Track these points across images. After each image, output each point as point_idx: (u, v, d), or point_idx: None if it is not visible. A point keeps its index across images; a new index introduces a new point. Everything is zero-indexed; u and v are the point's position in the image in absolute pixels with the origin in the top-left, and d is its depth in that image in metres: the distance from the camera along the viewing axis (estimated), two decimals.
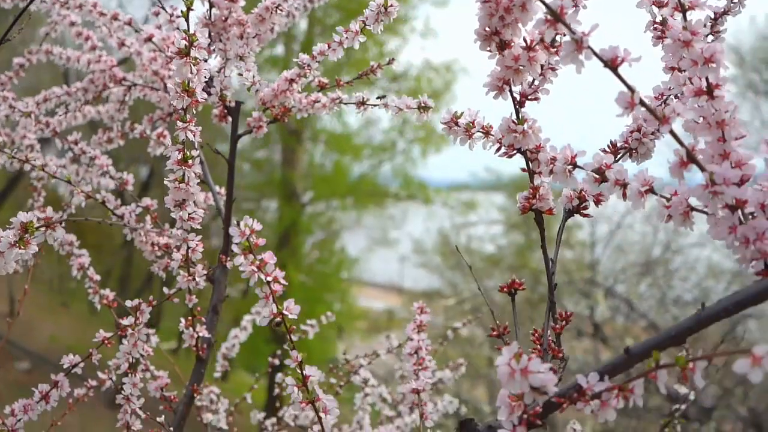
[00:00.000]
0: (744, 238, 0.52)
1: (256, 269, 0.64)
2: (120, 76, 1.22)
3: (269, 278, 0.64)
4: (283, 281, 0.65)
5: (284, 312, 0.65)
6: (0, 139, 1.27)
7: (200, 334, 1.00)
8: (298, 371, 0.67)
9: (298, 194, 11.31)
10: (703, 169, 0.53)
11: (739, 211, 0.54)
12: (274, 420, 1.43)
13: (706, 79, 0.55)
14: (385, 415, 1.46)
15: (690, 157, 0.53)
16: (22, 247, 0.69)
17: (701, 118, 0.56)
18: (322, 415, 0.67)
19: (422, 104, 0.88)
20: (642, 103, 0.52)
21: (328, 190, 11.25)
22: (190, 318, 0.99)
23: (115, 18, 1.12)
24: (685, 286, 7.11)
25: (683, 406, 1.14)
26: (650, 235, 7.96)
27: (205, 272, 0.93)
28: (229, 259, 0.98)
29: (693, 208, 0.56)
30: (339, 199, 11.52)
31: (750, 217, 0.54)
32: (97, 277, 1.12)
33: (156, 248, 1.05)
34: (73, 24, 1.21)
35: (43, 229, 0.68)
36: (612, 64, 0.52)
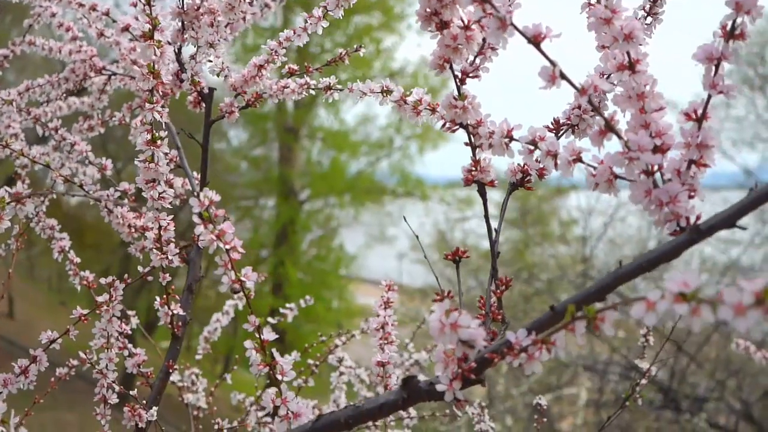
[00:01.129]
0: (658, 201, 0.56)
1: (215, 238, 0.68)
2: (100, 66, 1.25)
3: (228, 246, 0.68)
4: (241, 250, 0.69)
5: (242, 279, 0.69)
6: None
7: (175, 312, 1.03)
8: (257, 335, 0.71)
9: (295, 192, 11.35)
10: (620, 137, 0.57)
11: (659, 176, 0.58)
12: (252, 399, 1.47)
13: (627, 54, 0.59)
14: (363, 396, 1.50)
15: (608, 127, 0.57)
16: None
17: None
18: (279, 377, 0.71)
19: (385, 88, 0.92)
20: (562, 76, 0.56)
21: (326, 188, 11.29)
22: (164, 296, 1.03)
23: (93, 9, 1.16)
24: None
25: (643, 381, 1.18)
26: (645, 229, 8.01)
27: (177, 250, 0.97)
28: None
29: (617, 176, 0.60)
30: (336, 197, 11.55)
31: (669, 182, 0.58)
32: (78, 260, 1.15)
33: (133, 230, 1.09)
34: (54, 15, 1.25)
35: (13, 204, 0.72)
36: (535, 40, 0.56)
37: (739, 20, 0.57)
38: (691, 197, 0.57)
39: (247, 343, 0.71)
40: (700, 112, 0.58)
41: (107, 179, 1.16)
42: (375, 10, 11.06)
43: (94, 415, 1.01)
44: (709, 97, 0.57)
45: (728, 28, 0.57)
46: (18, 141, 1.29)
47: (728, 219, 0.52)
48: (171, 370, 1.06)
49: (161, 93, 0.82)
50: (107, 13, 1.17)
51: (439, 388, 0.60)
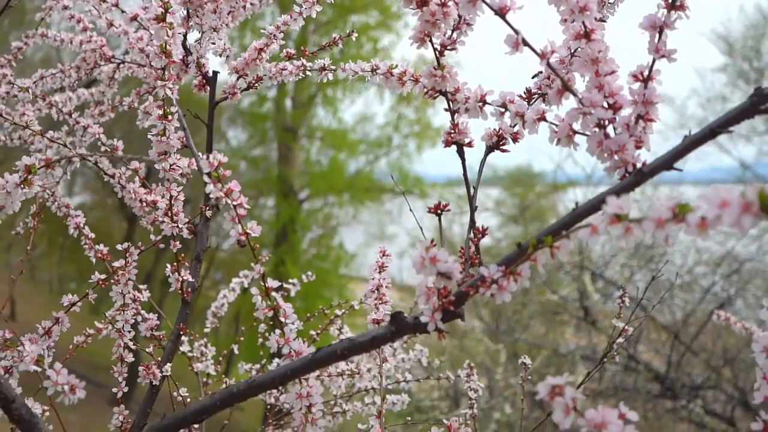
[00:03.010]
0: (609, 150, 0.65)
1: (224, 195, 0.76)
2: (109, 54, 1.34)
3: (235, 203, 0.76)
4: (246, 206, 0.77)
5: (248, 231, 0.77)
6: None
7: (185, 279, 1.12)
8: (261, 283, 0.79)
9: (295, 191, 11.44)
10: (575, 95, 0.65)
11: (611, 130, 0.67)
12: (258, 366, 1.55)
13: (583, 24, 0.67)
14: (364, 366, 1.58)
15: (565, 86, 0.66)
16: (26, 186, 0.81)
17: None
18: (282, 319, 0.79)
19: (374, 67, 1.00)
20: (525, 43, 0.64)
21: (325, 187, 11.37)
22: (175, 264, 1.11)
23: (103, 0, 1.25)
24: (672, 269, 7.25)
25: (621, 340, 1.26)
26: None
27: (186, 220, 1.05)
28: (209, 209, 1.11)
29: (575, 131, 0.69)
30: (336, 195, 11.64)
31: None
32: (92, 235, 1.23)
33: (144, 204, 1.17)
34: (66, 8, 1.34)
35: (44, 169, 0.81)
36: (501, 11, 0.65)
37: None
38: (638, 147, 0.65)
39: (254, 290, 0.79)
40: (646, 74, 0.66)
41: (120, 158, 1.25)
42: (372, 9, 11.16)
43: (111, 373, 1.10)
44: (654, 60, 0.66)
45: (670, 0, 0.66)
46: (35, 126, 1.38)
47: (666, 162, 0.61)
48: (182, 333, 1.14)
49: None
50: (116, 4, 1.26)
51: (423, 319, 0.68)
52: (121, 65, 1.37)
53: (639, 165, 0.64)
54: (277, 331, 0.79)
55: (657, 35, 0.66)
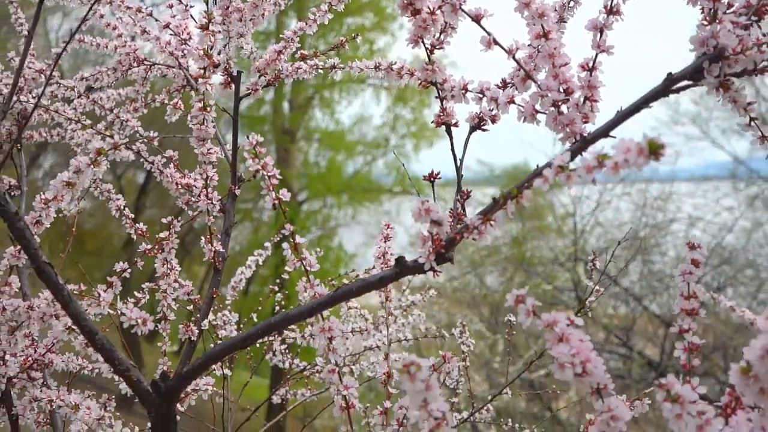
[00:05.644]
0: (562, 124, 0.84)
1: (261, 168, 0.95)
2: (142, 57, 1.52)
3: (269, 174, 0.95)
4: (278, 176, 0.96)
5: (280, 197, 0.96)
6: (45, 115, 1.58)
7: (217, 249, 1.30)
8: (292, 240, 0.98)
9: (293, 193, 11.63)
10: (535, 82, 0.84)
11: (565, 109, 0.86)
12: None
13: (542, 26, 0.86)
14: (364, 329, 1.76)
15: (527, 75, 0.85)
16: (95, 166, 1.00)
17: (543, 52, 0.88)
18: (308, 268, 0.98)
19: (377, 65, 1.19)
20: (495, 42, 0.83)
21: (323, 188, 11.55)
22: (209, 236, 1.30)
23: (138, 11, 1.43)
24: (665, 260, 7.46)
25: (593, 298, 1.45)
26: (638, 217, 8.34)
27: (219, 197, 1.24)
28: (237, 188, 1.29)
29: (537, 111, 0.87)
30: (334, 197, 11.82)
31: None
32: (132, 215, 1.42)
33: (179, 187, 1.36)
34: (102, 16, 1.52)
35: (112, 150, 0.99)
36: (477, 18, 0.83)
37: (615, 1, 0.84)
38: (585, 122, 0.84)
39: (285, 245, 0.98)
40: (590, 65, 0.85)
41: (156, 148, 1.43)
42: (367, 11, 11.35)
43: (155, 330, 1.28)
44: (597, 54, 0.85)
45: (608, 6, 0.84)
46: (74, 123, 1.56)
47: (603, 132, 0.80)
48: (214, 296, 1.33)
49: (210, 70, 1.09)
50: (150, 14, 1.44)
51: (420, 260, 0.87)
52: (153, 67, 1.56)
53: (585, 134, 0.83)
54: (303, 279, 0.98)
55: (599, 34, 0.85)
